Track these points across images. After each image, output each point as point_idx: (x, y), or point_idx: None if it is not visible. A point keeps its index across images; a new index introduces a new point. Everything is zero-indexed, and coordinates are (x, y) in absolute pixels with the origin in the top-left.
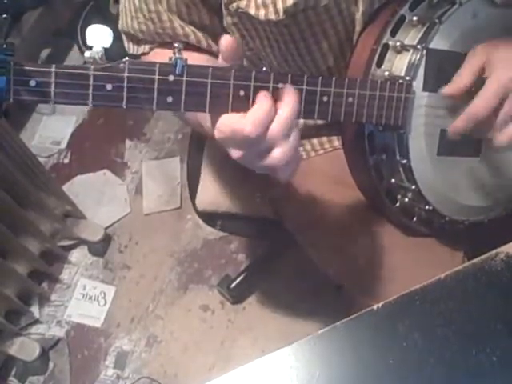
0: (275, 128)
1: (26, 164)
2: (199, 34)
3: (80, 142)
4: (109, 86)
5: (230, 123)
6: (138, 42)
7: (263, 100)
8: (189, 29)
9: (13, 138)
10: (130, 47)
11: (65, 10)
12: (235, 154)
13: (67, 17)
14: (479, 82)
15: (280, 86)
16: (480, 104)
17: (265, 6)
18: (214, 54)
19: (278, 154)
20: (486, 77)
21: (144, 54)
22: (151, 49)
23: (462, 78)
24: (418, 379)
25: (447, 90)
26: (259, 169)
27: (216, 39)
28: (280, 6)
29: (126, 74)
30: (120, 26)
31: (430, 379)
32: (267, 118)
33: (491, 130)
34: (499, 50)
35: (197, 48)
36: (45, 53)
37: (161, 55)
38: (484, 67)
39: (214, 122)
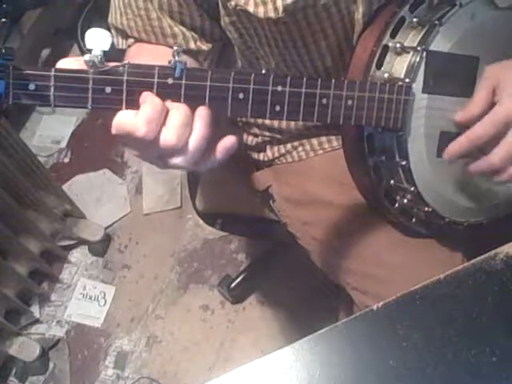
0: (168, 135)
1: (26, 163)
2: (188, 34)
3: (80, 141)
4: (108, 89)
5: (124, 123)
6: (126, 37)
7: (151, 98)
8: (177, 29)
9: (13, 137)
10: (119, 42)
11: (65, 9)
12: (134, 153)
13: (67, 16)
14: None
15: (279, 88)
16: (480, 130)
17: (264, 3)
18: (202, 55)
19: (177, 161)
20: (497, 101)
21: (129, 46)
22: (135, 42)
23: (475, 105)
24: (418, 379)
25: (461, 116)
26: (163, 167)
27: (206, 39)
28: (279, 3)
29: (125, 78)
30: (109, 21)
31: (429, 379)
32: (160, 116)
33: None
34: (510, 71)
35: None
36: (45, 53)
37: (144, 49)
38: (496, 89)
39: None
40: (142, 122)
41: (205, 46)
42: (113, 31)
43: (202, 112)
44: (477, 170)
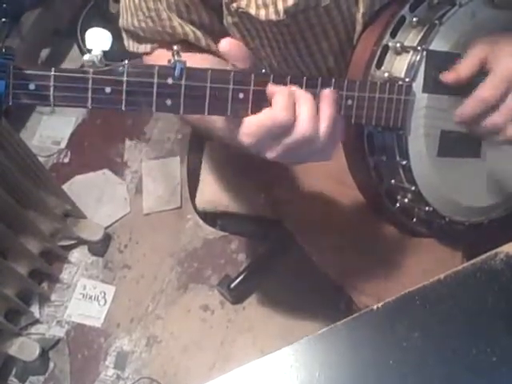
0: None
1: (26, 164)
2: (198, 32)
3: (80, 141)
4: (108, 89)
5: (260, 121)
6: (138, 39)
7: (280, 89)
8: (188, 28)
9: (13, 137)
10: (130, 45)
11: (64, 9)
12: (272, 152)
13: (67, 16)
14: (480, 75)
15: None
16: (488, 89)
17: (265, 6)
18: (214, 54)
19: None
20: (489, 68)
21: (146, 53)
22: (153, 49)
23: (463, 67)
24: (418, 379)
25: (447, 75)
26: (304, 159)
27: (215, 38)
28: (280, 6)
29: (125, 78)
30: (120, 23)
31: (429, 379)
32: (291, 100)
33: (495, 121)
34: (502, 42)
35: (199, 48)
36: (44, 53)
37: (163, 57)
38: (486, 59)
39: (230, 126)
40: (279, 110)
41: (214, 45)
42: (124, 34)
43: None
44: (481, 130)
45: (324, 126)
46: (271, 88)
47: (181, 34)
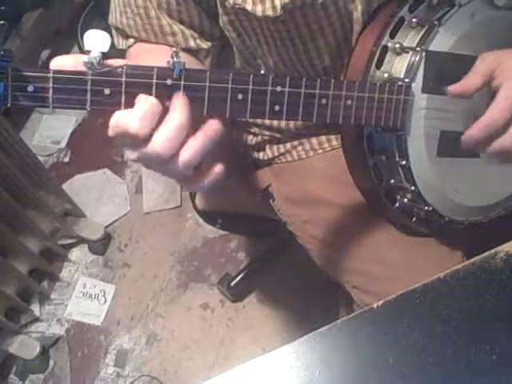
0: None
1: (26, 163)
2: (187, 32)
3: (80, 141)
4: (107, 91)
5: (117, 121)
6: (126, 37)
7: (145, 97)
8: (177, 27)
9: (13, 136)
10: (120, 42)
11: (65, 10)
12: (129, 154)
13: (67, 17)
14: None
15: (278, 89)
16: (495, 112)
17: (262, 2)
18: (202, 53)
19: (171, 166)
20: (496, 85)
21: (129, 46)
22: (134, 43)
23: (471, 81)
24: (418, 378)
25: (453, 89)
26: (160, 172)
27: (205, 38)
28: (277, 2)
29: (123, 79)
30: (110, 21)
31: (429, 378)
32: (153, 114)
33: (503, 143)
34: (510, 59)
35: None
36: (45, 53)
37: (144, 48)
38: (494, 74)
39: None
40: (134, 118)
41: (204, 45)
42: (113, 31)
43: (209, 128)
44: (489, 151)
45: (191, 146)
46: (139, 97)
47: (168, 33)
